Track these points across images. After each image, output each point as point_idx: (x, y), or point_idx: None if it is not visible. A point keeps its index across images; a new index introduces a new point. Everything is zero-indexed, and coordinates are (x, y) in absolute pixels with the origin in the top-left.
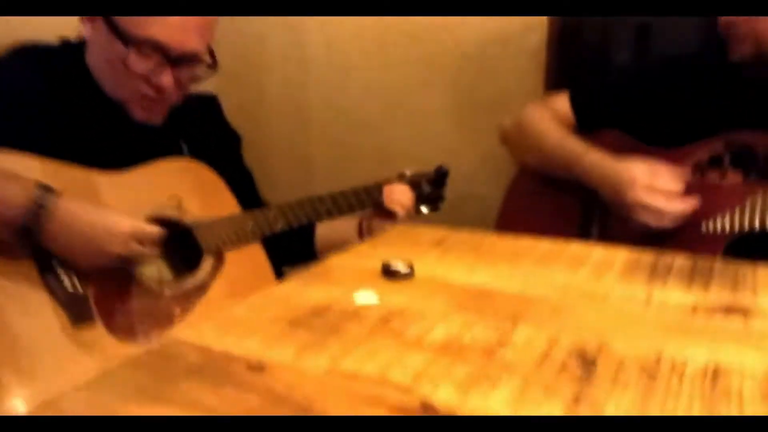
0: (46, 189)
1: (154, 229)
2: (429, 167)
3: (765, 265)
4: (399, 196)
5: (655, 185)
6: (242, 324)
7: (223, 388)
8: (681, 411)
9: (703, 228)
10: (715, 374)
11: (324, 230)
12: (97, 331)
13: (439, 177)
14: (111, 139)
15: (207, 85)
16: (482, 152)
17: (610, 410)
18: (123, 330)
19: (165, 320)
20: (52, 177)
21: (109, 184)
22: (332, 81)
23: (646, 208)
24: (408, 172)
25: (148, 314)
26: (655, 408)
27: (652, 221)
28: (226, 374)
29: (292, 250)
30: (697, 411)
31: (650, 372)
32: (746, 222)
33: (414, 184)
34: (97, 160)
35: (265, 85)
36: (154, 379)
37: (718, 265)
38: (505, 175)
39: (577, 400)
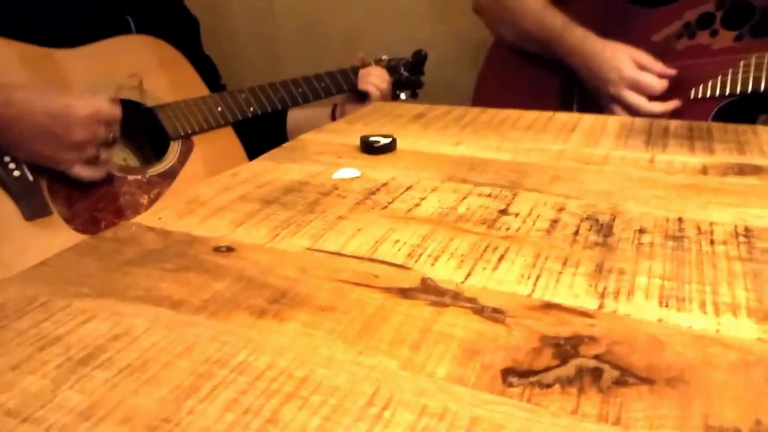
0: None
1: (111, 109)
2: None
3: (763, 127)
4: (375, 78)
5: (640, 81)
6: (207, 204)
7: (186, 275)
8: (722, 277)
9: (692, 94)
10: (747, 234)
11: (296, 117)
12: (54, 223)
13: (418, 62)
14: (49, 12)
15: None
16: (455, 37)
17: (642, 281)
18: (83, 221)
19: (130, 210)
20: (14, 56)
21: (68, 61)
22: None
23: (624, 104)
24: (385, 57)
25: (112, 203)
26: (692, 276)
27: (626, 114)
28: (189, 259)
29: (262, 139)
30: (740, 275)
31: (676, 237)
32: (738, 86)
33: (392, 69)
34: (35, 36)
35: None
36: (100, 268)
37: (716, 126)
38: (480, 61)
39: (601, 270)
